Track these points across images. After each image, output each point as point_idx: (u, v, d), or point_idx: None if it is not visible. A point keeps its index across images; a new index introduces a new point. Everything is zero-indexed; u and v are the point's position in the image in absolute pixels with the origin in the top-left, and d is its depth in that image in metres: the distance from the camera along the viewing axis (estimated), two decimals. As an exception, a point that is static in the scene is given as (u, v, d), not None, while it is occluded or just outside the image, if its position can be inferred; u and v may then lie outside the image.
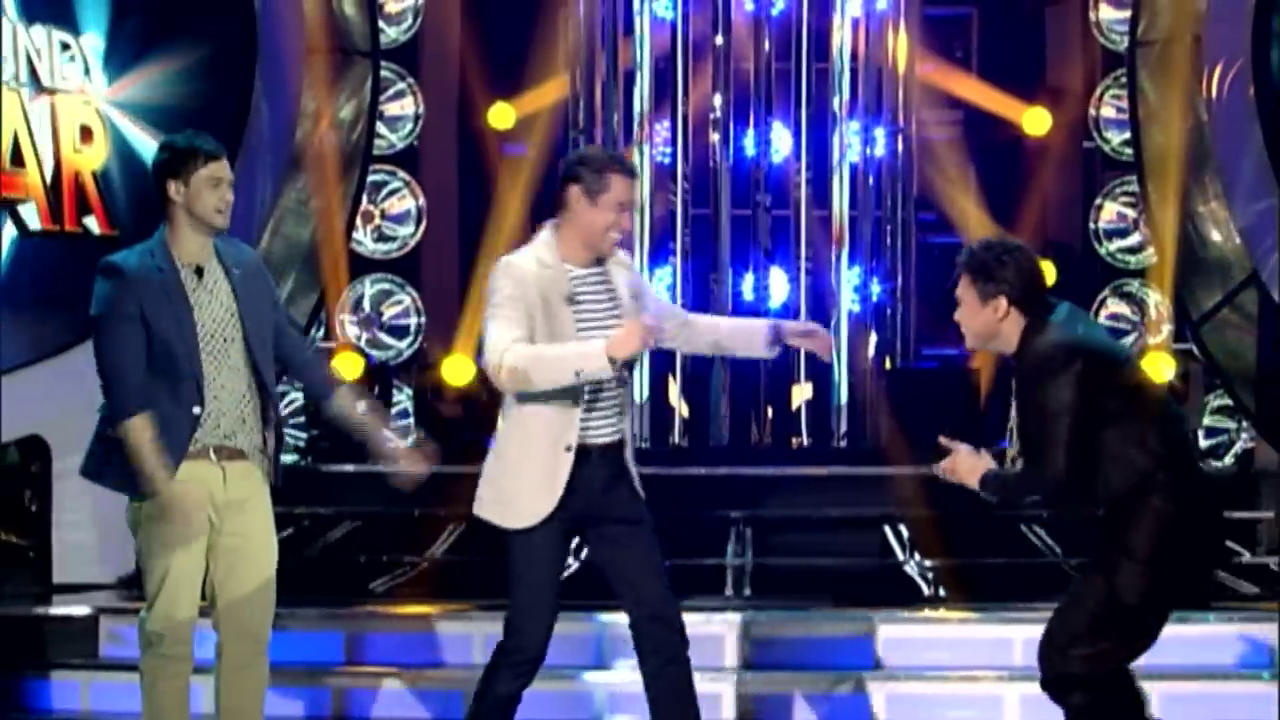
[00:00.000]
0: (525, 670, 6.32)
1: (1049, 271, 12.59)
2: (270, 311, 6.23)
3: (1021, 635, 8.40)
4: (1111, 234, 12.35)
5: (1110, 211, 12.37)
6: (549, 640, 6.30)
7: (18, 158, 9.76)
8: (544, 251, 6.18)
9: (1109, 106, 12.39)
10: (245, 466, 6.16)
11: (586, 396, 6.13)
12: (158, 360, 6.01)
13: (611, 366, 5.96)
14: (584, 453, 6.17)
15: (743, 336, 6.52)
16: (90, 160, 9.97)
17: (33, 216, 9.83)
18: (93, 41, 10.05)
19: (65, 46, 9.95)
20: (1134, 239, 12.28)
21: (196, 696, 6.33)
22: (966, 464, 6.10)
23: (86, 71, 10.04)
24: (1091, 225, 12.39)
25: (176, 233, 6.10)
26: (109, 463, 6.05)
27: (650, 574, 6.30)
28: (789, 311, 11.61)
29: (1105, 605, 5.99)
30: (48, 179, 9.83)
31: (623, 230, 6.19)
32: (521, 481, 6.18)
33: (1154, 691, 8.04)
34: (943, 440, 6.16)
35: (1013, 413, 6.25)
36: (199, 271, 6.11)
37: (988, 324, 6.07)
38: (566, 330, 6.10)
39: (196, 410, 6.04)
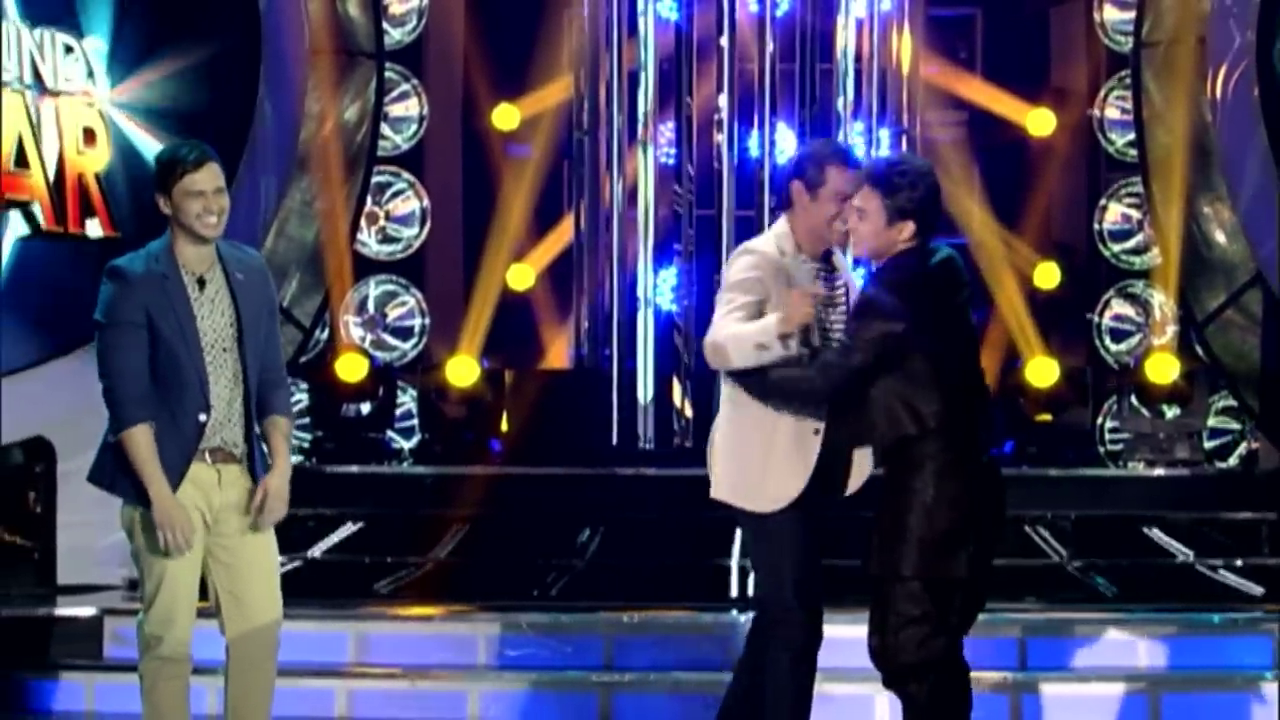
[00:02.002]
0: (807, 656, 6.31)
1: (1053, 273, 12.60)
2: (267, 320, 6.23)
3: (1028, 636, 8.42)
4: (1116, 235, 12.36)
5: (1115, 213, 12.37)
6: (821, 620, 6.30)
7: (22, 159, 9.77)
8: (784, 242, 6.31)
9: (1113, 108, 12.40)
10: (238, 469, 6.18)
11: None
12: (163, 368, 6.02)
13: (783, 341, 6.03)
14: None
15: None
16: (94, 162, 9.98)
17: (37, 218, 9.84)
18: (96, 44, 10.07)
19: (69, 49, 9.96)
20: (1138, 240, 12.28)
21: (199, 699, 6.33)
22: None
23: (90, 74, 10.06)
24: (1096, 226, 12.39)
25: (177, 242, 6.11)
26: (120, 470, 6.06)
27: (815, 565, 6.32)
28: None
29: (904, 588, 6.01)
30: (51, 180, 9.85)
31: (845, 220, 6.23)
32: (771, 464, 6.22)
33: (1160, 693, 8.09)
34: None
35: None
36: (200, 282, 6.12)
37: (889, 244, 6.10)
38: (818, 319, 6.21)
39: (203, 418, 6.05)
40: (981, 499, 6.11)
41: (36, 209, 9.83)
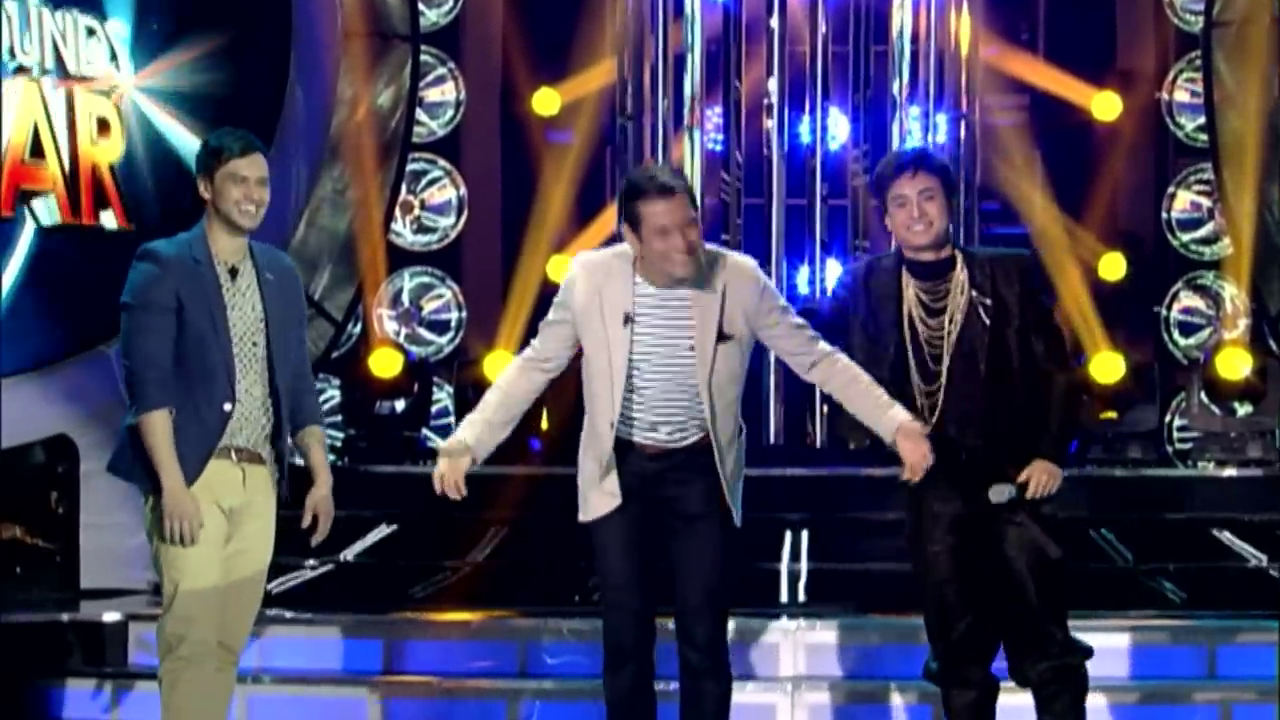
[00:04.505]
0: (622, 666, 6.29)
1: (1119, 264, 12.55)
2: (295, 327, 6.34)
3: (1090, 643, 8.37)
4: (1185, 224, 12.30)
5: (1184, 201, 12.32)
6: (643, 634, 6.28)
7: (37, 149, 9.81)
8: (622, 261, 6.26)
9: (1183, 90, 12.34)
10: (262, 473, 6.25)
11: (626, 390, 6.20)
12: (190, 354, 6.09)
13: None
14: (640, 445, 6.24)
15: (868, 411, 6.33)
16: (107, 153, 10.01)
17: (54, 209, 9.87)
18: (118, 28, 10.10)
19: (91, 32, 9.99)
20: (1208, 229, 12.23)
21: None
22: (1045, 472, 6.28)
23: (113, 58, 10.09)
24: (1164, 215, 12.34)
25: (211, 230, 6.21)
26: (138, 458, 6.10)
27: (686, 582, 6.27)
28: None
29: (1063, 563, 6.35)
30: (67, 172, 9.88)
31: (681, 249, 6.08)
32: (586, 472, 6.30)
33: (1230, 704, 8.05)
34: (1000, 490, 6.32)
35: (923, 327, 6.33)
36: (233, 272, 6.19)
37: (947, 222, 6.33)
38: (619, 350, 6.17)
39: (228, 407, 6.11)
40: None
41: (52, 200, 9.86)
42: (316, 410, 6.46)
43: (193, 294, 6.09)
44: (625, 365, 6.17)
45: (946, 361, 6.28)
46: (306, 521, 6.29)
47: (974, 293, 6.27)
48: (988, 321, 6.25)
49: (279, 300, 6.25)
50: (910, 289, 6.33)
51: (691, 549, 6.26)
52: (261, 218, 6.19)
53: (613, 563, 6.29)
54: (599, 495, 6.26)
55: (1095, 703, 8.07)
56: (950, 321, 6.28)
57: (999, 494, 6.28)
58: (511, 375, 6.42)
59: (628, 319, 6.17)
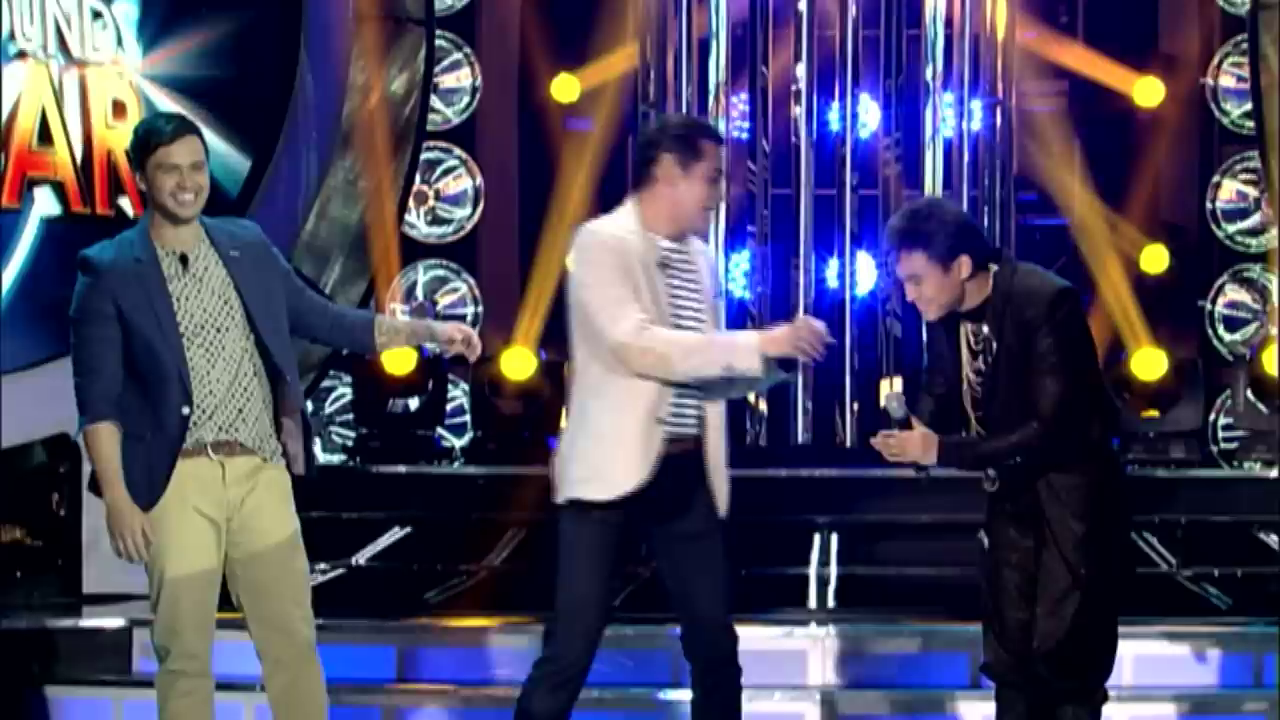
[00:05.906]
0: (565, 684, 6.23)
1: (1162, 256, 12.52)
2: (279, 288, 6.16)
3: (1131, 651, 8.34)
4: (1230, 215, 12.27)
5: (1229, 190, 12.29)
6: (593, 651, 6.23)
7: (45, 135, 9.80)
8: (626, 219, 6.20)
9: (1228, 75, 12.31)
10: (249, 462, 6.10)
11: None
12: (140, 360, 5.98)
13: (763, 365, 5.96)
14: (670, 441, 6.12)
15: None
16: (124, 137, 10.01)
17: (63, 198, 9.87)
18: (125, 9, 10.10)
19: (97, 15, 9.99)
20: (1255, 220, 12.20)
21: (233, 714, 6.32)
22: (919, 443, 6.24)
23: (119, 41, 10.09)
24: (1209, 205, 12.32)
25: (154, 223, 6.09)
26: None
27: (708, 594, 6.26)
28: (876, 299, 11.58)
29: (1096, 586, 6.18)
30: (78, 158, 9.87)
31: (719, 199, 6.20)
32: (618, 450, 6.08)
33: (1270, 712, 8.03)
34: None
35: (968, 370, 6.30)
36: (183, 259, 6.06)
37: (955, 288, 6.19)
38: (662, 299, 6.09)
39: (185, 411, 5.98)
40: None
41: (61, 188, 9.86)
42: (358, 312, 6.49)
43: (134, 297, 5.97)
44: (671, 315, 6.08)
45: (981, 401, 6.30)
46: (455, 350, 6.25)
47: (988, 333, 6.23)
48: (996, 366, 6.21)
49: (250, 273, 6.09)
50: (964, 331, 6.32)
51: (705, 569, 6.25)
52: (202, 203, 6.03)
53: (603, 565, 6.17)
54: (634, 465, 6.06)
55: (1138, 712, 8.09)
56: (984, 364, 6.26)
57: (891, 401, 6.38)
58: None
59: (664, 264, 6.13)
